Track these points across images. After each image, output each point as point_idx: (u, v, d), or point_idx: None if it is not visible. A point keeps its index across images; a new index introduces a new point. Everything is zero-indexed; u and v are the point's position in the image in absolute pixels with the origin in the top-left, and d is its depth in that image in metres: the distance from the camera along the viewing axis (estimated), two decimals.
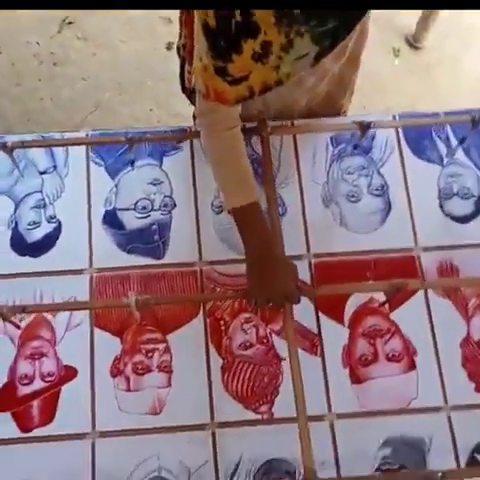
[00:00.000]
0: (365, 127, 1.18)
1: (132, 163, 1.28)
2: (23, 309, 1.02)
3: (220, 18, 0.92)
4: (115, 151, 1.28)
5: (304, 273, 1.17)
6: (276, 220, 1.11)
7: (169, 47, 2.19)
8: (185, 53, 1.25)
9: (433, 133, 1.31)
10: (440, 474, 0.90)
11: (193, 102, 1.37)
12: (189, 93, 1.36)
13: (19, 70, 2.28)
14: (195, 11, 0.97)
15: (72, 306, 1.13)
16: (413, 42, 2.41)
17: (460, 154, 1.30)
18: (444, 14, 2.32)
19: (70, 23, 2.44)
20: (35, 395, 1.10)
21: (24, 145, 1.19)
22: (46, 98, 2.20)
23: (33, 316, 1.14)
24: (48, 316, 1.14)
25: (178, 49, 1.31)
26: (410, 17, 2.41)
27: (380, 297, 1.16)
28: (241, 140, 1.13)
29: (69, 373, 1.11)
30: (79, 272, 1.18)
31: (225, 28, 0.94)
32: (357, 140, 1.27)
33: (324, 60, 1.16)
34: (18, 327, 1.12)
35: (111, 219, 1.23)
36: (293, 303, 1.05)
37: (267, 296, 1.04)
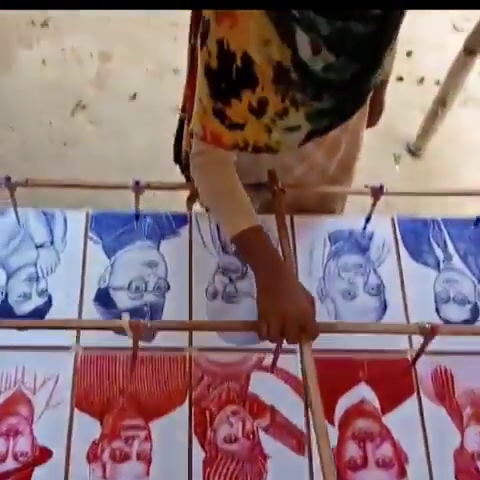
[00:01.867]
0: (377, 192, 1.22)
1: (137, 217, 1.29)
2: None
3: (222, 61, 0.96)
4: (114, 230, 1.29)
5: (296, 367, 1.14)
6: (288, 255, 1.09)
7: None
8: (184, 115, 1.27)
9: (430, 238, 1.33)
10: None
11: (185, 172, 1.37)
12: (183, 163, 1.37)
13: (29, 148, 2.35)
14: (200, 55, 1.00)
15: (57, 324, 1.09)
16: (414, 150, 2.50)
17: (457, 260, 1.30)
18: (444, 126, 2.43)
19: (84, 107, 2.55)
20: (6, 475, 1.03)
21: (28, 184, 1.22)
22: (53, 176, 2.25)
23: (12, 391, 1.10)
24: (28, 393, 1.10)
25: (181, 120, 1.33)
26: (411, 126, 2.53)
27: (372, 399, 1.13)
28: (238, 179, 1.12)
29: (43, 454, 1.05)
30: (65, 349, 1.14)
31: (226, 71, 0.97)
32: (359, 237, 1.30)
33: (314, 149, 1.20)
34: None
35: (103, 297, 1.21)
36: (311, 333, 0.98)
37: (281, 318, 0.97)
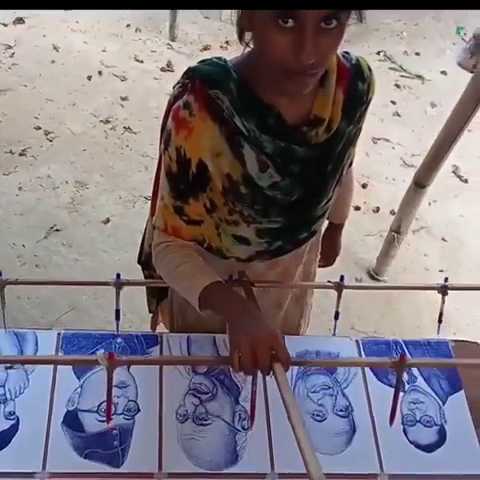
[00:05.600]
0: (340, 285, 1.29)
1: (117, 315, 1.30)
2: None
3: (180, 165, 1.05)
4: (85, 350, 1.29)
5: None
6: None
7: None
8: (150, 218, 1.34)
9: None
10: None
11: (146, 274, 1.44)
12: (143, 260, 1.43)
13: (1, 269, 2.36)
14: (163, 158, 1.08)
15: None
16: (374, 275, 2.61)
17: (421, 382, 1.33)
18: (401, 251, 2.56)
19: (57, 230, 2.62)
20: None
21: (17, 282, 1.29)
22: (23, 296, 2.26)
23: None
24: None
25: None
26: (370, 252, 2.66)
27: None
28: (198, 256, 1.15)
29: None
30: (30, 476, 1.10)
31: (184, 175, 1.06)
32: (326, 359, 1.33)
33: (265, 271, 1.27)
34: None
35: (71, 420, 1.19)
36: (284, 359, 0.96)
37: (251, 342, 0.95)
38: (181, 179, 1.07)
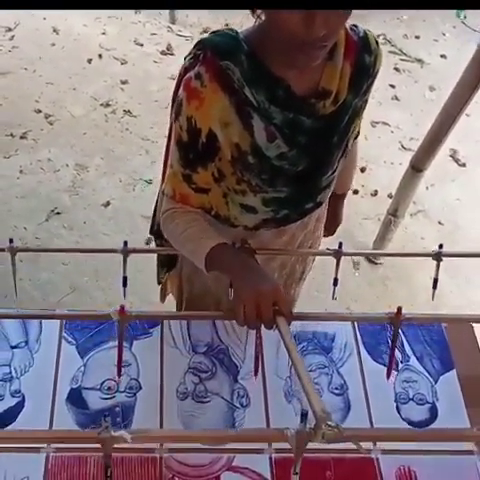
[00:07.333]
0: (339, 255, 1.31)
1: (124, 282, 1.33)
2: None
3: (190, 135, 1.08)
4: (88, 330, 1.33)
5: (264, 467, 1.16)
6: None
7: (148, 242, 2.37)
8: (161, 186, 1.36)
9: (388, 339, 1.38)
10: None
11: (158, 243, 1.46)
12: (154, 229, 1.45)
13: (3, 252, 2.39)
14: (174, 127, 1.10)
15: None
16: (371, 258, 2.64)
17: (414, 361, 1.37)
18: (398, 234, 2.59)
19: (58, 213, 2.64)
20: None
21: (28, 248, 1.34)
22: (25, 278, 2.29)
23: None
24: None
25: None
26: (368, 235, 2.69)
27: None
28: (204, 221, 1.18)
29: None
30: (36, 450, 1.15)
31: (194, 144, 1.09)
32: (321, 339, 1.37)
33: (272, 239, 1.30)
34: None
35: (75, 397, 1.23)
36: (285, 310, 0.99)
37: (255, 296, 0.98)
38: (191, 148, 1.10)
